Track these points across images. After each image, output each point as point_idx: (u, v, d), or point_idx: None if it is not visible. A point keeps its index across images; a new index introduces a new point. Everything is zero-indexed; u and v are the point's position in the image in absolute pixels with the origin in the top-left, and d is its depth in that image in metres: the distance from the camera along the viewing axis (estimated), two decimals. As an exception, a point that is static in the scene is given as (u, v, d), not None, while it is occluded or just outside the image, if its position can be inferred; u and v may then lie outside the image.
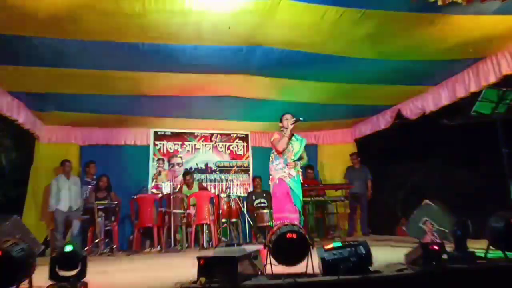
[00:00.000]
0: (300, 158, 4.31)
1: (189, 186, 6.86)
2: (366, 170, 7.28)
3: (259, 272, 2.53)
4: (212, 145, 7.86)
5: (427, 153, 5.77)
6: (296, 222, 3.98)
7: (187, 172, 7.09)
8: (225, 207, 6.52)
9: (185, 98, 5.94)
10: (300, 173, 4.28)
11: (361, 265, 2.46)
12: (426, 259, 2.51)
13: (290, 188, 4.12)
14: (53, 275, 2.37)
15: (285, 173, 4.16)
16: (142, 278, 3.03)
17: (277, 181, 4.16)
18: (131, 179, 6.93)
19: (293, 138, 4.30)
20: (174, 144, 7.67)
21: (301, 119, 4.15)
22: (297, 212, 4.10)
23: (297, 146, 4.28)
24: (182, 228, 6.25)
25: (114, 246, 5.78)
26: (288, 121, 4.16)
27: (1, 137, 5.94)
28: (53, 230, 6.07)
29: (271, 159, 4.33)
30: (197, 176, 7.42)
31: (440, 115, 5.44)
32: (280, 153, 4.19)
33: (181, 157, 7.65)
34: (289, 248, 2.53)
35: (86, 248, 5.65)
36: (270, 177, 4.29)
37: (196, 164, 7.68)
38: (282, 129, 4.26)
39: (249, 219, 6.55)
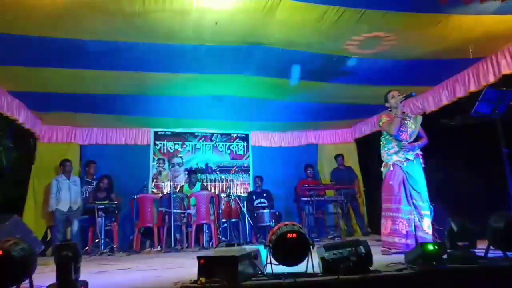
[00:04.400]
0: (417, 139, 3.86)
1: (192, 185, 6.87)
2: (351, 171, 7.43)
3: (259, 272, 2.53)
4: (212, 145, 7.86)
5: (426, 153, 5.75)
6: (411, 216, 3.61)
7: (193, 171, 7.11)
8: (225, 207, 6.51)
9: (185, 98, 5.94)
10: (421, 156, 3.84)
11: (361, 265, 2.46)
12: (426, 259, 2.51)
13: (408, 174, 3.72)
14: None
15: (400, 157, 3.76)
16: (142, 278, 3.02)
17: (391, 167, 3.75)
18: (131, 179, 6.92)
19: (405, 117, 3.88)
20: (174, 144, 7.67)
21: (413, 94, 3.81)
22: (410, 205, 3.67)
23: (412, 126, 3.86)
24: (182, 228, 6.26)
25: (114, 246, 5.78)
26: (396, 98, 3.80)
27: (1, 137, 5.93)
28: (52, 227, 6.10)
29: (382, 144, 3.94)
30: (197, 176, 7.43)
31: (440, 115, 5.44)
32: (393, 136, 3.79)
33: (181, 157, 7.65)
34: (289, 248, 2.53)
35: (86, 248, 5.66)
36: (383, 163, 3.89)
37: (196, 164, 7.68)
38: (390, 109, 3.90)
39: (249, 219, 6.55)
